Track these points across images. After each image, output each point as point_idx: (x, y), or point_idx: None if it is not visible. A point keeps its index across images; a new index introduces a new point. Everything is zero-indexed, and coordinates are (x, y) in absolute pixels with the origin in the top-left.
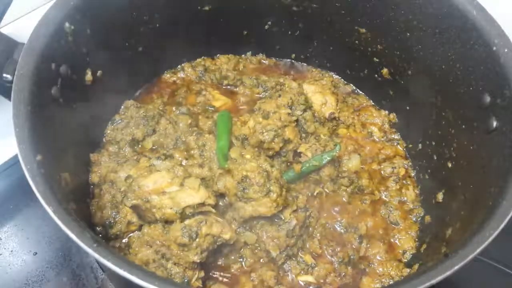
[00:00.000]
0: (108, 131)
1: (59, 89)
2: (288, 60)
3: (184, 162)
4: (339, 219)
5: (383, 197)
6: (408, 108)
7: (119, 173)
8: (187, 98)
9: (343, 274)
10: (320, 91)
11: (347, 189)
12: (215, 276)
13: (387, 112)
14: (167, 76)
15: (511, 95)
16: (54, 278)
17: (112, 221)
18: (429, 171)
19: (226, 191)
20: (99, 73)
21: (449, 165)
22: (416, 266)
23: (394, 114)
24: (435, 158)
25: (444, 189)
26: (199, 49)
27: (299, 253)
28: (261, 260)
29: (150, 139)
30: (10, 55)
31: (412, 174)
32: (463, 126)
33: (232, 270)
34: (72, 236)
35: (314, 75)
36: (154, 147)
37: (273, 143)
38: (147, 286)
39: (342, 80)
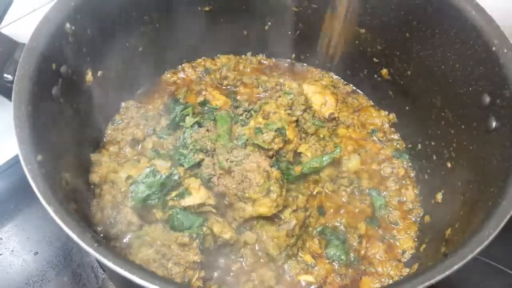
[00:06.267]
0: (109, 131)
1: (60, 89)
2: (288, 60)
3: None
4: (338, 219)
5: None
6: (407, 108)
7: (120, 173)
8: (187, 98)
9: (343, 274)
10: (320, 91)
11: (347, 189)
12: (215, 276)
13: (386, 112)
14: (167, 76)
15: (511, 95)
16: (55, 278)
17: (112, 221)
18: (428, 171)
19: (226, 191)
20: (99, 73)
21: (449, 165)
22: (415, 266)
23: (394, 114)
24: (434, 158)
25: (444, 189)
26: (199, 49)
27: (299, 253)
28: (261, 260)
29: (150, 139)
30: (10, 56)
31: (412, 175)
32: (463, 126)
33: (232, 270)
34: (73, 236)
35: (314, 75)
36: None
37: (273, 143)
38: (147, 285)
39: (342, 80)
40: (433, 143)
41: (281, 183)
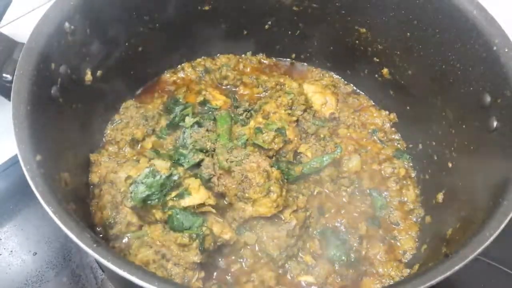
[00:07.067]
0: (108, 131)
1: (59, 89)
2: (288, 60)
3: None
4: (339, 219)
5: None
6: (408, 108)
7: (119, 173)
8: (187, 98)
9: (344, 274)
10: (321, 91)
11: (347, 190)
12: (215, 276)
13: (387, 112)
14: (167, 76)
15: None
16: (54, 278)
17: (112, 222)
18: (429, 171)
19: (226, 191)
20: (98, 73)
21: (449, 165)
22: (416, 267)
23: (395, 114)
24: (435, 158)
25: (444, 190)
26: (199, 49)
27: (299, 254)
28: (261, 261)
29: (150, 139)
30: (10, 55)
31: (413, 175)
32: (464, 126)
33: (232, 271)
34: (72, 236)
35: (315, 75)
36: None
37: (273, 143)
38: (147, 286)
39: (342, 80)
40: (434, 143)
41: (281, 183)
